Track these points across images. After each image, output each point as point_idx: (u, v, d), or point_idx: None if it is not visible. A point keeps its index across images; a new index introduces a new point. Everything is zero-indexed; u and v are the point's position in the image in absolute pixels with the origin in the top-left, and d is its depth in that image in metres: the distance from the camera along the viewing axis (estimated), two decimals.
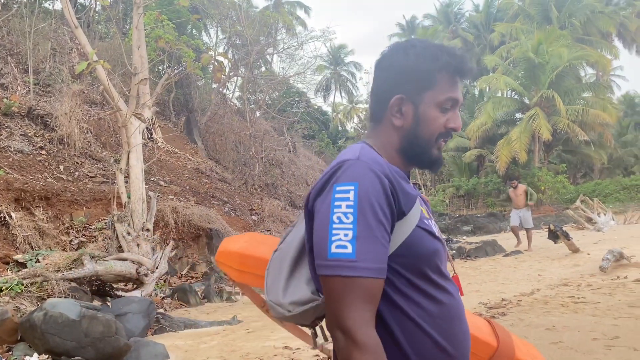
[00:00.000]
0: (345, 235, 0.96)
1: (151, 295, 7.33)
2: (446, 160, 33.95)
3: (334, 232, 0.98)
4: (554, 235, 9.89)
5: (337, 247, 0.97)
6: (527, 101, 27.64)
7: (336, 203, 0.99)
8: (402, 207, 1.04)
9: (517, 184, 11.55)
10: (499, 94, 29.17)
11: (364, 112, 43.11)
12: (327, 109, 50.25)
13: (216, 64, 11.65)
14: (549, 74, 25.53)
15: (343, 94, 51.18)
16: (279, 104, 22.66)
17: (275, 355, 4.69)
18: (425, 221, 1.09)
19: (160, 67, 15.57)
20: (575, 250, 9.47)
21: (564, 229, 10.11)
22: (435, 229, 1.14)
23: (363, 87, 50.82)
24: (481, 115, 28.22)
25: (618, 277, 6.75)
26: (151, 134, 13.61)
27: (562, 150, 31.80)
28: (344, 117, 59.47)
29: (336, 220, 0.98)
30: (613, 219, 14.11)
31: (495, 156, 26.98)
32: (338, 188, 1.00)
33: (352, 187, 0.99)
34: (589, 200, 15.05)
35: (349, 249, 0.96)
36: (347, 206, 0.98)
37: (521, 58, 26.77)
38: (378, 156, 1.09)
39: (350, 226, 0.97)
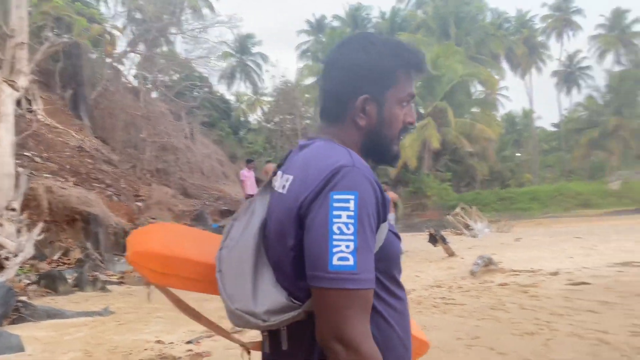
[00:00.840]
0: (347, 247, 0.93)
1: (13, 280, 6.70)
2: None
3: (335, 243, 0.93)
4: (433, 239, 10.58)
5: (340, 259, 0.93)
6: (422, 111, 29.15)
7: (335, 212, 0.95)
8: (386, 212, 1.02)
9: (387, 189, 11.90)
10: None
11: (269, 106, 42.83)
12: (231, 98, 49.43)
13: (108, 37, 10.86)
14: (444, 87, 27.16)
15: (248, 84, 50.50)
16: (178, 86, 21.78)
17: (146, 349, 4.46)
18: (391, 222, 1.10)
19: (48, 34, 14.25)
20: (451, 254, 10.10)
21: (442, 233, 10.76)
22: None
23: (269, 79, 50.59)
24: None
25: (485, 281, 7.27)
26: (30, 104, 12.39)
27: (449, 159, 33.97)
28: (248, 108, 58.84)
29: (337, 231, 0.94)
30: (488, 227, 15.30)
31: None
32: (336, 197, 0.95)
33: (352, 197, 0.95)
34: (468, 208, 16.20)
35: (351, 261, 0.93)
36: (348, 216, 0.94)
37: None
38: (363, 159, 1.05)
39: (352, 237, 0.94)
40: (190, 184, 18.01)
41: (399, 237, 1.12)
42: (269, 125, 39.72)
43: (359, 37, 1.15)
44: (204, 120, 26.73)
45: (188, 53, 21.06)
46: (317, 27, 43.58)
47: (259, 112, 52.73)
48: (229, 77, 48.58)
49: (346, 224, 0.94)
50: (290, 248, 1.01)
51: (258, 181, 12.08)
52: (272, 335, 1.08)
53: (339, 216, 0.94)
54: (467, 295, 6.40)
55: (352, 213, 0.94)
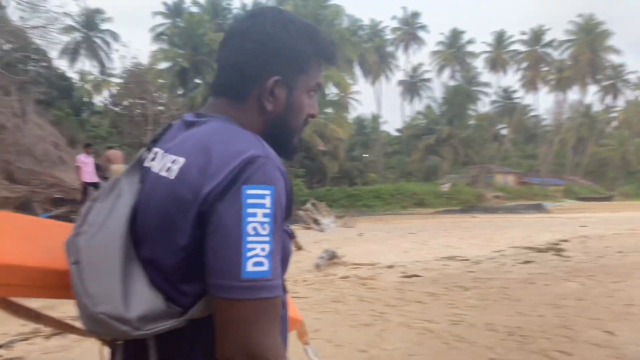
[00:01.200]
0: (263, 249, 0.81)
1: None
2: None
3: (250, 246, 0.80)
4: None
5: (255, 264, 0.80)
6: None
7: (250, 210, 0.81)
8: (290, 210, 0.91)
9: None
10: None
11: (117, 88, 39.88)
12: (74, 76, 45.05)
13: None
14: None
15: (95, 63, 46.48)
16: (8, 57, 19.21)
17: None
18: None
19: None
20: (298, 247, 10.33)
21: (290, 227, 10.94)
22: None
23: (118, 60, 47.08)
24: None
25: (329, 274, 7.55)
26: None
27: (303, 156, 34.91)
28: (93, 89, 54.15)
29: (252, 232, 0.80)
30: (334, 222, 15.99)
31: None
32: (250, 191, 0.82)
33: (268, 192, 0.83)
34: (317, 204, 16.79)
35: (266, 266, 0.81)
36: (264, 214, 0.82)
37: None
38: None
39: (267, 239, 0.81)
40: (17, 168, 16.00)
41: (290, 236, 0.99)
42: (116, 109, 37.03)
43: (276, 12, 1.02)
44: (40, 98, 24.03)
45: (23, 21, 18.65)
46: (175, 10, 41.64)
47: (105, 94, 48.95)
48: (72, 53, 44.25)
49: (262, 224, 0.81)
50: (181, 248, 0.85)
51: (98, 168, 11.14)
52: (129, 346, 0.91)
53: (254, 214, 0.81)
54: (311, 288, 6.57)
55: (268, 211, 0.82)
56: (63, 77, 33.71)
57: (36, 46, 22.70)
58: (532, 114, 67.79)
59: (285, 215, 0.88)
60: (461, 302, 5.47)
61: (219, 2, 41.19)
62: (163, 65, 36.68)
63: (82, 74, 49.47)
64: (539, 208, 29.49)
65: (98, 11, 43.50)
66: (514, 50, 53.40)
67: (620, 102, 63.43)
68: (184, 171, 0.87)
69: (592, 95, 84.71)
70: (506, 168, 54.97)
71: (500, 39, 53.43)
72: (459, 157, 49.45)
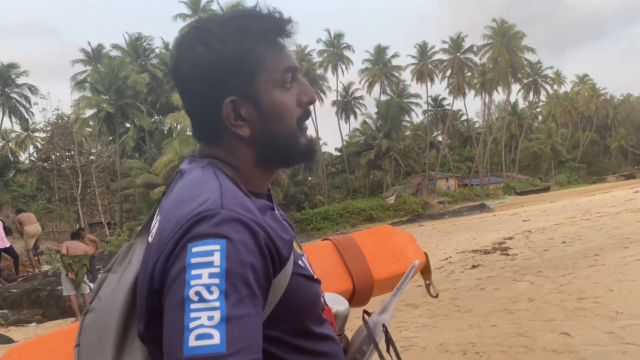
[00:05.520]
0: (210, 318, 0.64)
1: None
2: (135, 197, 32.53)
3: (192, 315, 0.64)
4: None
5: (198, 337, 0.63)
6: None
7: (193, 272, 0.66)
8: (282, 258, 0.74)
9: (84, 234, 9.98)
10: (188, 132, 29.74)
11: (42, 142, 38.04)
12: None
13: None
14: None
15: (14, 120, 44.14)
16: None
17: None
18: (300, 262, 0.82)
19: None
20: None
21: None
22: (310, 267, 0.86)
23: (39, 113, 45.07)
24: (169, 152, 28.26)
25: None
26: None
27: None
28: (17, 147, 51.42)
29: (194, 298, 0.64)
30: None
31: None
32: (195, 249, 0.67)
33: (218, 247, 0.67)
34: None
35: (216, 339, 0.63)
36: (211, 275, 0.65)
37: None
38: (243, 197, 0.77)
39: (217, 304, 0.64)
40: None
41: (314, 279, 0.84)
42: (44, 164, 35.19)
43: (192, 30, 0.84)
44: None
45: None
46: (94, 56, 40.31)
47: (31, 149, 46.52)
48: None
49: (207, 286, 0.65)
50: (158, 320, 0.71)
51: (8, 232, 10.17)
52: None
53: (198, 276, 0.65)
54: None
55: (217, 270, 0.65)
56: None
57: None
58: (463, 118, 70.34)
59: (276, 264, 0.73)
60: (411, 322, 5.13)
61: (139, 42, 40.28)
62: (88, 113, 35.25)
63: (4, 133, 46.99)
64: (482, 208, 30.18)
65: (12, 66, 41.48)
66: (437, 60, 55.21)
67: (543, 97, 66.99)
68: (157, 235, 0.76)
69: (515, 94, 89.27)
70: (446, 173, 56.38)
71: (423, 51, 55.14)
72: (400, 168, 50.20)
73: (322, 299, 0.90)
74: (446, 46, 53.88)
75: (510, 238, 10.95)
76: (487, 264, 8.00)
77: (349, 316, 1.11)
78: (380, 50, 54.99)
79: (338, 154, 57.98)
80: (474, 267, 7.91)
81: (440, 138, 63.59)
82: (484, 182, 53.47)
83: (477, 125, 72.16)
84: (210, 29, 0.82)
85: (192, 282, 0.65)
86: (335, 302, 1.09)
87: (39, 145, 41.08)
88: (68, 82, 47.94)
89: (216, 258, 0.66)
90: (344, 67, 53.89)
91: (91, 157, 33.92)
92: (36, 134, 45.41)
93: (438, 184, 48.82)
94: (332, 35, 53.07)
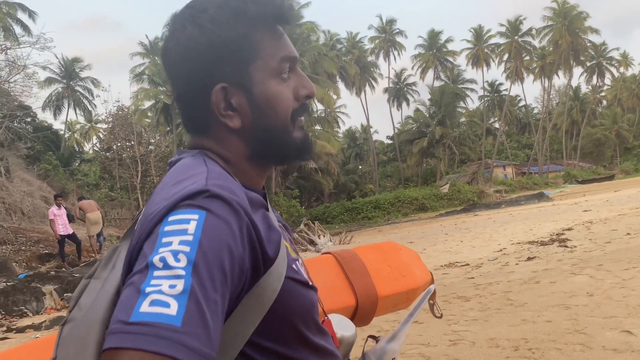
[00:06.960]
0: (172, 286, 0.55)
1: None
2: None
3: (153, 282, 0.55)
4: None
5: (153, 303, 0.54)
6: None
7: (164, 240, 0.59)
8: (267, 258, 0.67)
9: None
10: None
11: (104, 133, 39.74)
12: (61, 127, 44.90)
13: None
14: None
15: (79, 112, 46.35)
16: None
17: None
18: (294, 266, 0.75)
19: None
20: None
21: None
22: (305, 273, 0.79)
23: (101, 105, 47.09)
24: None
25: None
26: None
27: (297, 176, 34.55)
28: (82, 137, 53.99)
29: (158, 264, 0.56)
30: (330, 240, 15.49)
31: None
32: (171, 218, 0.61)
33: (195, 217, 0.60)
34: (310, 224, 16.31)
35: (173, 309, 0.53)
36: (182, 242, 0.58)
37: None
38: (233, 181, 0.71)
39: (182, 272, 0.56)
40: (7, 228, 15.65)
41: (311, 287, 0.77)
42: (106, 154, 36.78)
43: (186, 9, 0.78)
44: (27, 153, 23.80)
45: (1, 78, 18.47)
46: (152, 49, 41.57)
47: (94, 139, 48.68)
48: (55, 104, 44.11)
49: (175, 253, 0.57)
50: None
51: (71, 219, 10.69)
52: None
53: (169, 243, 0.58)
54: None
55: (189, 237, 0.58)
56: (48, 129, 33.53)
57: (19, 102, 22.54)
58: (521, 104, 67.72)
59: (259, 257, 0.66)
60: (461, 315, 4.98)
61: None
62: (146, 104, 36.49)
63: (69, 124, 49.45)
64: (541, 197, 29.05)
65: (76, 60, 43.47)
66: (494, 44, 53.33)
67: (607, 81, 63.46)
68: (139, 223, 0.69)
69: (577, 78, 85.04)
70: (503, 161, 54.59)
71: (479, 35, 53.40)
72: (455, 156, 49.06)
73: (318, 308, 0.82)
74: (503, 29, 51.93)
75: (569, 229, 10.47)
76: (544, 256, 7.68)
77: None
78: (433, 35, 53.73)
79: (389, 142, 57.39)
80: (529, 259, 7.62)
81: (497, 125, 61.60)
82: (543, 171, 51.44)
83: (535, 111, 69.37)
84: (205, 9, 0.76)
85: (161, 250, 0.58)
86: (340, 325, 1.00)
87: (101, 136, 42.89)
88: (127, 75, 49.77)
89: (191, 226, 0.59)
90: (396, 53, 53.07)
91: (150, 147, 35.08)
92: (99, 125, 47.48)
93: (495, 172, 47.34)
94: (384, 21, 52.28)
